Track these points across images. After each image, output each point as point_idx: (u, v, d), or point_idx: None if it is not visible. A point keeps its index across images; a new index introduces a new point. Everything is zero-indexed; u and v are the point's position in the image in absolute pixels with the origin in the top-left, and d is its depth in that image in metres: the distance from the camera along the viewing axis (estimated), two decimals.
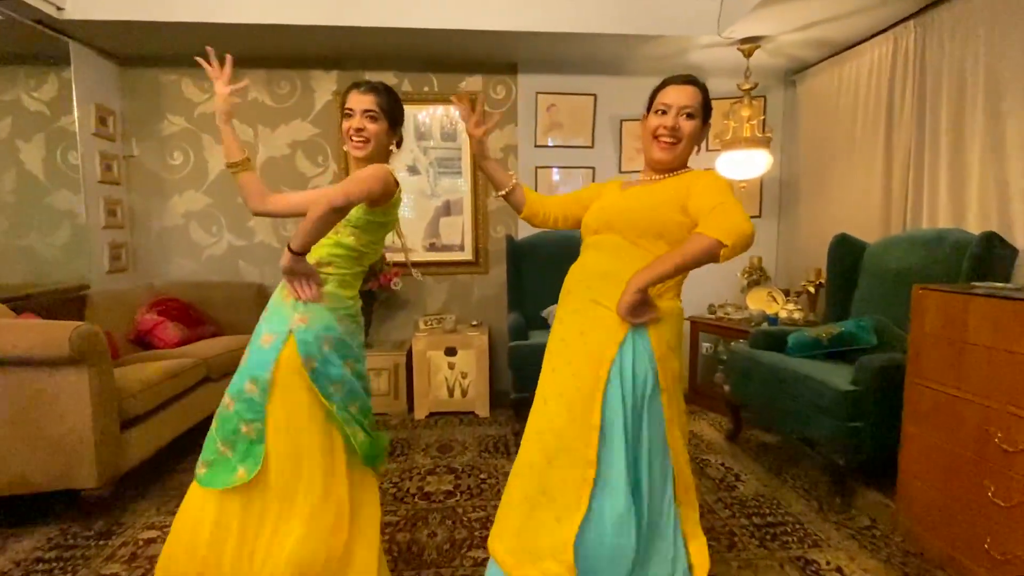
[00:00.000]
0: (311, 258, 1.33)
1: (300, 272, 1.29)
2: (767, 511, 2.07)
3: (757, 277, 3.43)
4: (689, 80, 1.37)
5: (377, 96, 1.39)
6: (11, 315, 2.23)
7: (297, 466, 1.30)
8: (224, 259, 3.42)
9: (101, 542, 1.88)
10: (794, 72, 3.47)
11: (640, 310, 1.25)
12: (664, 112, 1.35)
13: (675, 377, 1.36)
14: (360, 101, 1.38)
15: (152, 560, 1.72)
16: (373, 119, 1.38)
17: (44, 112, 3.00)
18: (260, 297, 3.31)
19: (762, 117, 3.38)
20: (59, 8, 2.67)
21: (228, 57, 1.48)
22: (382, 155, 1.44)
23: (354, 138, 1.39)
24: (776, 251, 3.68)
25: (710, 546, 1.58)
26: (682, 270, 1.26)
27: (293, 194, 1.62)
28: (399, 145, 1.51)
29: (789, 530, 1.94)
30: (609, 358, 1.28)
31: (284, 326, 1.32)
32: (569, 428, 1.28)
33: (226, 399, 1.33)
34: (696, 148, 1.41)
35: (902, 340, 2.12)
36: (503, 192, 1.59)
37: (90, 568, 1.74)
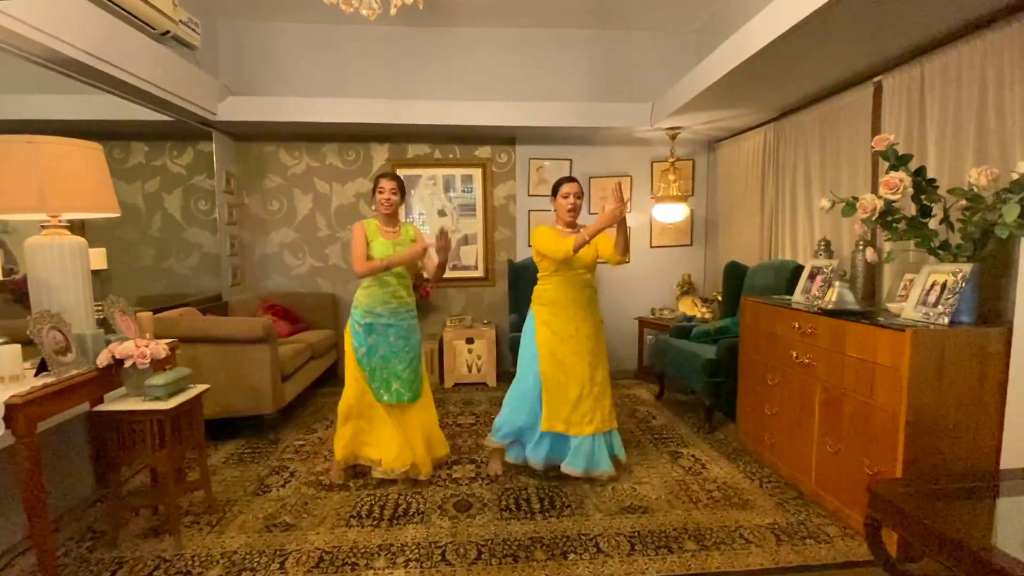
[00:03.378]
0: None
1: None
2: (664, 433, 3.44)
3: (687, 288, 4.80)
4: (572, 179, 2.77)
5: (396, 182, 2.77)
6: (201, 316, 3.61)
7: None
8: (307, 276, 4.81)
9: (274, 446, 3.26)
10: (714, 142, 4.85)
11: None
12: (566, 196, 2.73)
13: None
14: (388, 183, 2.74)
15: (300, 452, 3.09)
16: (395, 193, 2.75)
17: (183, 173, 4.37)
18: (334, 304, 4.69)
19: (684, 180, 4.75)
20: (213, 113, 4.07)
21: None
22: (397, 213, 2.80)
23: (384, 203, 2.72)
24: (703, 269, 5.04)
25: (628, 452, 2.95)
26: (626, 237, 2.68)
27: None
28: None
29: (673, 440, 3.31)
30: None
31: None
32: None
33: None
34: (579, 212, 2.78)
35: None
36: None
37: (272, 456, 3.11)
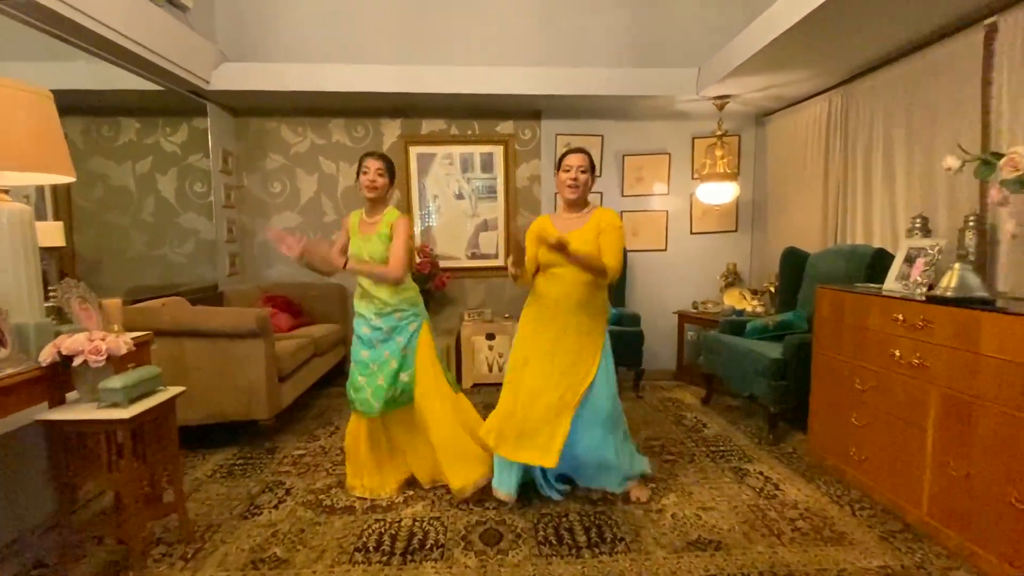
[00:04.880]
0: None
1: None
2: (721, 444, 2.96)
3: (732, 280, 4.30)
4: (580, 150, 2.29)
5: (384, 162, 2.36)
6: (190, 306, 3.19)
7: None
8: None
9: (269, 456, 2.83)
10: (763, 115, 4.33)
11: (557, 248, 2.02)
12: (568, 171, 2.25)
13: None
14: (373, 163, 2.33)
15: (299, 463, 2.65)
16: (381, 174, 2.32)
17: (177, 152, 3.96)
18: (342, 295, 4.26)
19: (733, 156, 4.24)
20: (207, 82, 3.65)
21: (300, 242, 2.22)
22: (384, 197, 2.39)
23: (367, 186, 2.32)
24: (749, 258, 4.53)
25: (677, 462, 2.50)
26: (585, 265, 2.11)
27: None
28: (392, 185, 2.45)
29: (734, 453, 2.82)
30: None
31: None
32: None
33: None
34: (588, 191, 2.29)
35: None
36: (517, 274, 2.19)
37: (267, 469, 2.68)
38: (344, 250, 2.40)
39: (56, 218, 3.33)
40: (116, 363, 1.86)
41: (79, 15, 2.50)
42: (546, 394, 2.18)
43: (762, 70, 3.30)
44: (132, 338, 2.13)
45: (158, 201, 3.83)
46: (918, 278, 2.30)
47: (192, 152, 3.99)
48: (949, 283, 2.03)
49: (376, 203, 2.38)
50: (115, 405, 1.74)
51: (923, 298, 2.14)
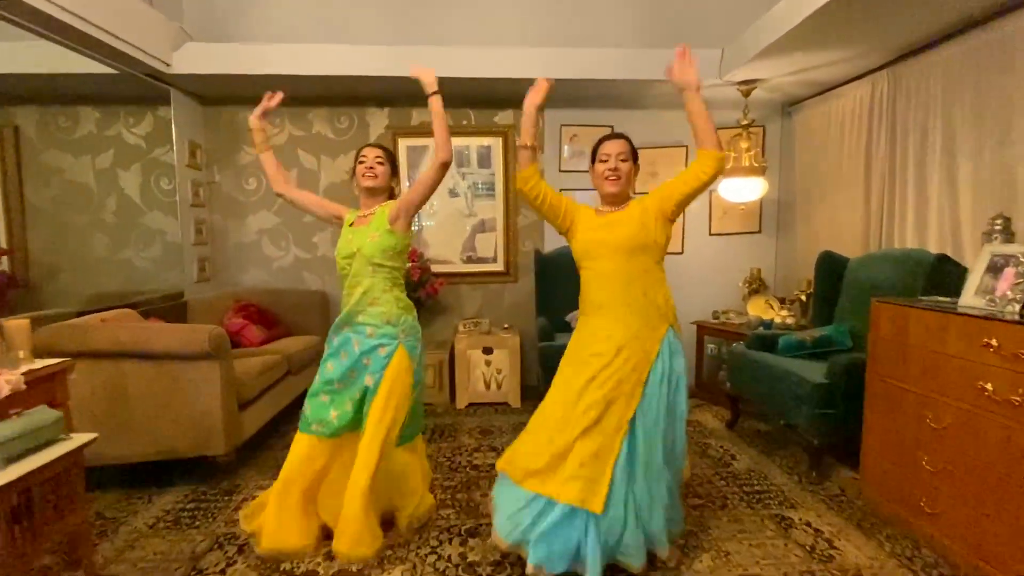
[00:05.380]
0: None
1: None
2: (755, 482, 2.53)
3: (757, 286, 3.87)
4: (620, 136, 1.88)
5: (383, 150, 2.05)
6: (141, 319, 2.78)
7: None
8: (291, 270, 3.96)
9: (226, 497, 2.41)
10: (790, 104, 3.91)
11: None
12: (605, 160, 1.84)
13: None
14: (372, 151, 2.03)
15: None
16: (380, 161, 2.00)
17: (141, 145, 3.55)
18: (323, 303, 3.84)
19: (758, 148, 3.81)
20: (167, 64, 3.22)
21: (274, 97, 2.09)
22: (386, 189, 2.06)
23: (366, 174, 1.99)
24: (775, 263, 4.11)
25: (706, 507, 2.07)
26: (707, 119, 1.76)
27: None
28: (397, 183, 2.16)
29: (772, 495, 2.40)
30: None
31: None
32: None
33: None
34: (631, 184, 1.87)
35: None
36: (529, 144, 1.85)
37: (221, 515, 2.26)
38: (312, 199, 2.18)
39: (6, 217, 2.96)
40: (0, 405, 1.44)
41: None
42: (595, 398, 1.78)
43: (795, 50, 2.88)
44: (41, 368, 1.72)
45: (120, 199, 3.44)
46: (1008, 293, 1.88)
47: (158, 145, 3.58)
48: None
49: (375, 195, 2.04)
50: None
51: (1019, 318, 1.72)
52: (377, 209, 2.02)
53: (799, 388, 2.53)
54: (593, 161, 1.91)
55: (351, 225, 2.05)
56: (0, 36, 2.47)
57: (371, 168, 2.01)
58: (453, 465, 2.73)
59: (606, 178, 1.84)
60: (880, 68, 3.05)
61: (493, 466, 2.69)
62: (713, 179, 1.79)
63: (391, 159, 2.09)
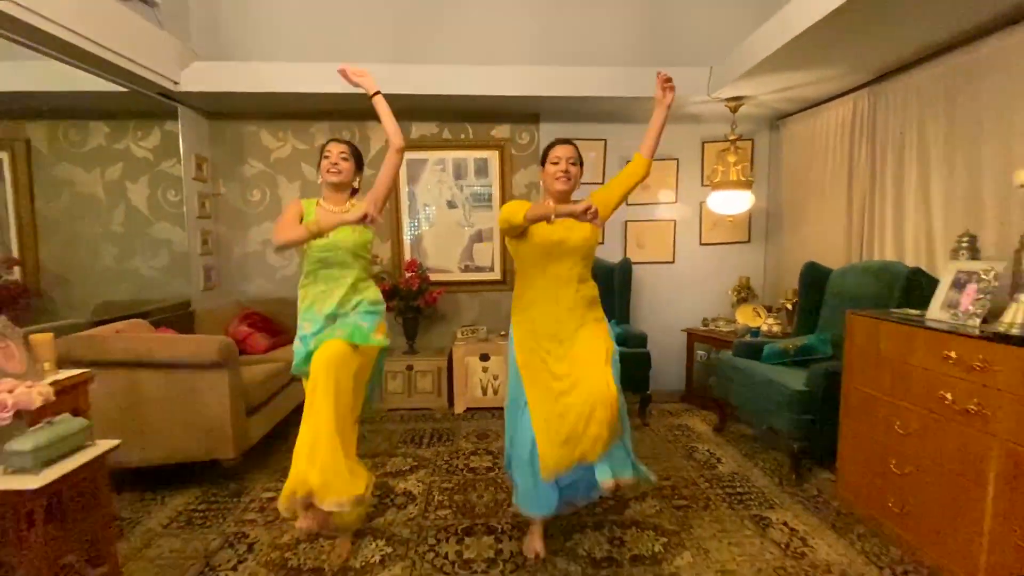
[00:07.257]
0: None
1: None
2: (738, 484, 2.66)
3: (745, 295, 4.00)
4: (568, 142, 2.07)
5: (348, 145, 2.16)
6: (152, 329, 2.91)
7: None
8: (294, 279, 4.04)
9: (235, 499, 2.53)
10: (778, 118, 4.04)
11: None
12: (557, 163, 2.02)
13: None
14: (336, 146, 2.12)
15: (267, 509, 2.36)
16: (344, 157, 2.11)
17: (149, 158, 3.67)
18: None
19: (747, 162, 3.94)
20: (175, 82, 3.36)
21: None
22: (349, 185, 2.15)
23: (330, 170, 2.09)
24: (763, 272, 4.23)
25: (690, 508, 2.20)
26: (660, 132, 2.14)
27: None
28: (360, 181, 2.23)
29: (753, 497, 2.52)
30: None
31: None
32: None
33: None
34: (577, 185, 2.05)
35: None
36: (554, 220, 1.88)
37: (231, 516, 2.39)
38: (297, 225, 2.06)
39: (18, 228, 3.08)
40: (33, 415, 1.57)
41: (19, 10, 2.21)
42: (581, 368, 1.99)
43: (781, 69, 3.01)
44: (65, 379, 1.84)
45: (129, 210, 3.56)
46: (970, 307, 2.01)
47: (165, 158, 3.71)
48: (1015, 318, 1.74)
49: (339, 190, 2.14)
50: (23, 470, 1.45)
51: (978, 332, 1.85)
52: (349, 207, 2.10)
53: (780, 394, 2.66)
54: (543, 163, 2.09)
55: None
56: (16, 55, 2.59)
57: (335, 164, 2.09)
58: (451, 468, 2.85)
59: (557, 178, 2.02)
60: (861, 87, 3.18)
61: (488, 469, 2.83)
62: (642, 181, 2.14)
63: (356, 155, 2.18)
